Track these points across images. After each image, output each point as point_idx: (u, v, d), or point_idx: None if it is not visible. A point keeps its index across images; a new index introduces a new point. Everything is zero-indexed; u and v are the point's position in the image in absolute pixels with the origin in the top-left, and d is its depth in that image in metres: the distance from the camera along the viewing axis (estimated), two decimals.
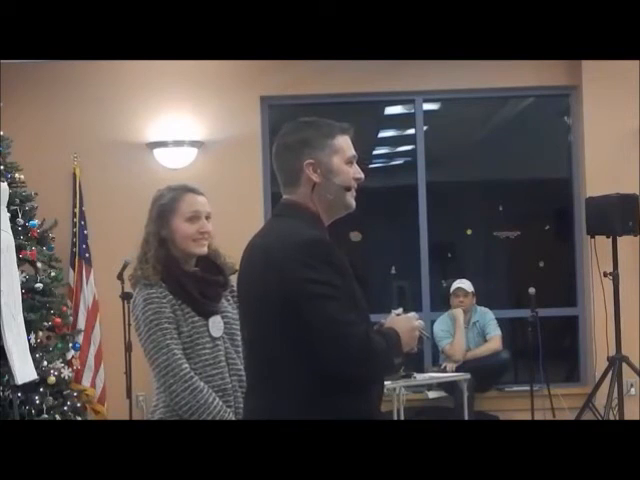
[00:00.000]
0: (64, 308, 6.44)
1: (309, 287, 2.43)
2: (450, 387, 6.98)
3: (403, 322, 2.60)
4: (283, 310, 2.45)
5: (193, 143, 7.23)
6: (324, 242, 2.53)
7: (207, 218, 3.33)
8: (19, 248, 5.80)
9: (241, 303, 2.73)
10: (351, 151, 2.68)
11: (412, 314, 2.62)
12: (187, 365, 3.16)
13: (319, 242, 2.52)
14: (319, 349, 2.43)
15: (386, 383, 6.26)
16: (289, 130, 2.68)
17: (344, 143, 2.67)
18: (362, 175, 2.69)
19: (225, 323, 3.29)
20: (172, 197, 3.32)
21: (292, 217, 2.61)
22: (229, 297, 3.38)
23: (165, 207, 3.30)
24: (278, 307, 2.46)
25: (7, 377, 5.13)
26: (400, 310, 2.69)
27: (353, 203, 2.68)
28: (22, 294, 5.12)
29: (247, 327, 2.65)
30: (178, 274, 3.25)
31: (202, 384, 3.14)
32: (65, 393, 6.14)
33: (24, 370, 4.75)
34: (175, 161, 7.23)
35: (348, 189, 2.65)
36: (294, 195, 2.64)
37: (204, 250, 3.31)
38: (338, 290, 2.44)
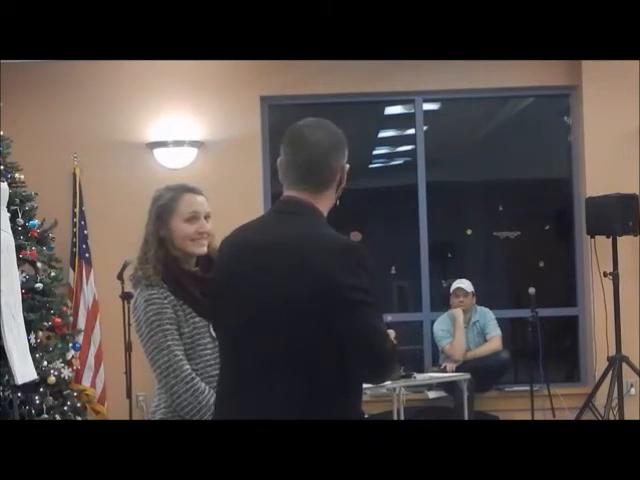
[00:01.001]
0: (64, 308, 6.44)
1: (350, 293, 2.41)
2: (450, 387, 6.98)
3: (391, 333, 2.62)
4: (317, 314, 2.41)
5: (193, 143, 7.24)
6: (361, 247, 2.53)
7: (206, 218, 3.32)
8: (19, 248, 5.80)
9: (253, 298, 2.54)
10: None
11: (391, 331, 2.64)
12: (188, 366, 3.15)
13: (357, 247, 2.52)
14: (354, 353, 2.41)
15: (386, 383, 6.27)
16: (330, 130, 2.64)
17: None
18: None
19: None
20: (171, 197, 3.31)
21: (311, 218, 2.56)
22: None
23: (164, 207, 3.30)
24: (311, 311, 2.42)
25: (7, 377, 5.13)
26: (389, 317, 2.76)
27: None
28: (22, 294, 5.12)
29: (262, 325, 2.50)
30: (178, 274, 3.24)
31: (203, 385, 3.14)
32: (65, 393, 6.14)
33: (24, 370, 4.76)
34: (175, 161, 7.23)
35: None
36: (311, 195, 2.57)
37: (203, 250, 3.31)
38: (372, 296, 2.46)
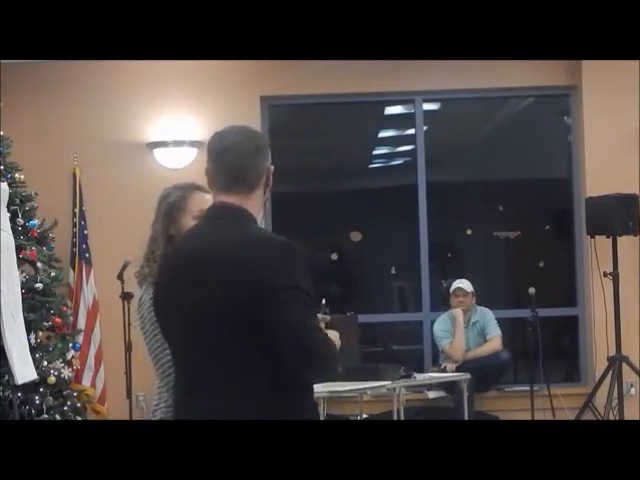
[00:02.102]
0: (64, 308, 6.44)
1: (283, 292, 2.44)
2: (450, 387, 6.98)
3: (334, 334, 2.63)
4: (252, 314, 2.44)
5: (193, 143, 7.23)
6: (296, 246, 2.54)
7: None
8: (19, 248, 5.80)
9: (192, 302, 2.56)
10: None
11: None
12: None
13: (291, 246, 2.52)
14: (285, 352, 2.43)
15: (386, 383, 6.27)
16: (253, 134, 2.72)
17: None
18: None
19: None
20: (180, 195, 3.32)
21: (244, 221, 2.59)
22: None
23: (173, 205, 3.31)
24: (247, 311, 2.45)
25: (7, 377, 5.13)
26: (328, 317, 2.79)
27: None
28: (22, 294, 5.12)
29: (202, 328, 2.53)
30: None
31: None
32: (65, 393, 6.14)
33: (24, 370, 4.76)
34: (175, 161, 7.23)
35: None
36: (241, 199, 2.61)
37: None
38: (306, 295, 2.47)
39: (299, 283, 2.46)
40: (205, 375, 2.53)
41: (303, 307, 2.45)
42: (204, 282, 2.52)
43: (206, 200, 3.33)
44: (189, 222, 3.28)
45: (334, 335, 2.61)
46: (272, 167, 2.67)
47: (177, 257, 2.66)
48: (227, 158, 2.62)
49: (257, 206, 2.65)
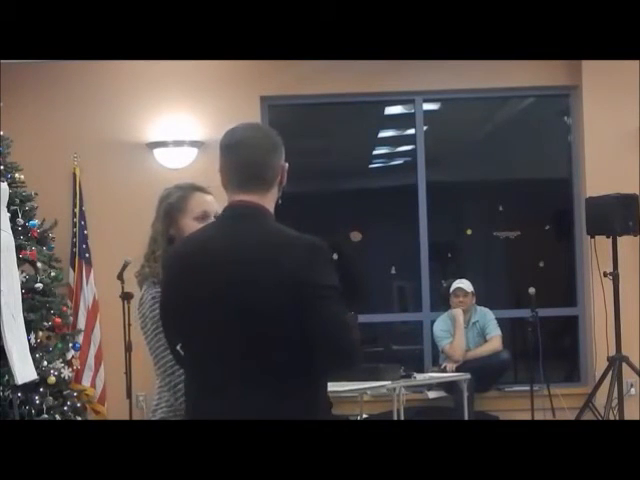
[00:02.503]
0: (64, 308, 6.44)
1: (319, 291, 2.44)
2: (450, 387, 6.98)
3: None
4: (288, 313, 2.44)
5: (193, 143, 7.24)
6: (324, 245, 2.53)
7: (216, 217, 3.33)
8: (19, 248, 5.80)
9: (215, 304, 2.53)
10: None
11: None
12: None
13: (323, 245, 2.52)
14: (321, 349, 2.44)
15: (386, 383, 6.28)
16: (268, 131, 2.70)
17: None
18: None
19: None
20: (180, 196, 3.32)
21: (265, 219, 2.58)
22: None
23: (173, 206, 3.31)
24: (282, 309, 2.44)
25: (7, 377, 5.13)
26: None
27: None
28: (22, 294, 5.12)
29: (232, 328, 2.50)
30: None
31: None
32: (65, 393, 6.14)
33: (24, 370, 4.75)
34: (175, 161, 7.23)
35: None
36: (258, 197, 2.59)
37: None
38: (340, 293, 2.47)
39: (333, 282, 2.47)
40: (232, 376, 2.50)
41: (338, 305, 2.46)
42: (233, 282, 2.49)
43: (207, 201, 3.34)
44: (189, 223, 3.28)
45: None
46: (286, 165, 2.66)
47: (196, 256, 2.59)
48: (243, 156, 2.60)
49: (272, 204, 2.63)
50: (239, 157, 2.60)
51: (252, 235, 2.54)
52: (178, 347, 2.69)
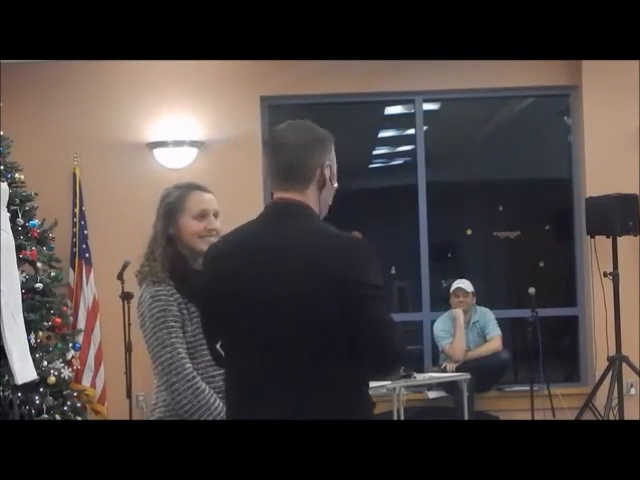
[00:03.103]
0: (64, 308, 6.44)
1: (364, 290, 2.43)
2: (450, 387, 6.98)
3: None
4: (332, 311, 2.42)
5: (193, 143, 7.24)
6: (367, 243, 2.54)
7: (215, 216, 3.33)
8: (19, 248, 5.80)
9: (258, 303, 2.50)
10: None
11: None
12: (190, 365, 3.16)
13: (366, 243, 2.53)
14: (367, 349, 2.44)
15: (386, 383, 6.28)
16: (307, 129, 2.65)
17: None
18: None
19: None
20: (179, 195, 3.33)
21: (309, 217, 2.57)
22: None
23: (172, 205, 3.31)
24: (327, 308, 2.42)
25: (7, 377, 5.13)
26: None
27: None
28: (22, 294, 5.12)
29: (277, 326, 2.48)
30: (185, 272, 3.24)
31: (204, 385, 3.14)
32: (65, 393, 6.14)
33: (24, 370, 4.75)
34: (175, 161, 7.23)
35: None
36: (298, 194, 2.59)
37: None
38: (383, 292, 2.48)
39: (379, 281, 2.48)
40: (274, 376, 2.47)
41: (384, 304, 2.47)
42: (277, 280, 2.47)
43: (205, 200, 3.34)
44: (188, 222, 3.29)
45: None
46: (328, 162, 2.63)
47: (236, 253, 2.58)
48: (278, 154, 2.61)
49: (313, 202, 2.61)
50: (275, 156, 2.62)
51: (291, 232, 2.53)
52: (217, 346, 2.66)
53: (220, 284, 2.59)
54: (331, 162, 2.65)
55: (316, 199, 2.62)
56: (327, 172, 2.63)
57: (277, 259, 2.49)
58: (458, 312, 7.24)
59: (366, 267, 2.47)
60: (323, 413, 2.44)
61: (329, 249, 2.47)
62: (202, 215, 3.30)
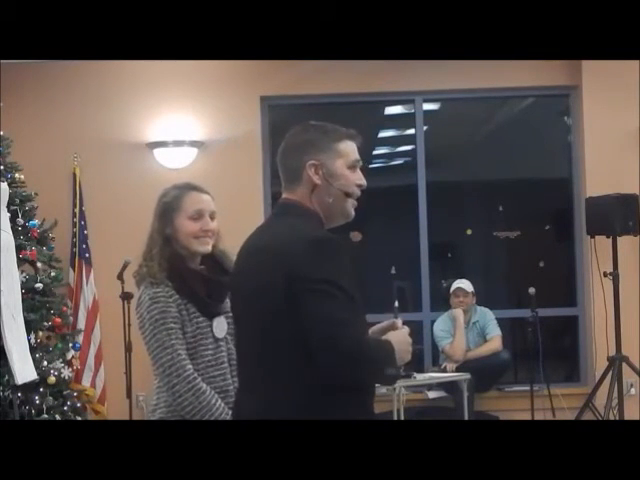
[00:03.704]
0: (64, 308, 6.44)
1: (310, 284, 2.41)
2: (450, 387, 6.98)
3: (399, 336, 2.63)
4: (284, 307, 2.44)
5: (193, 143, 7.24)
6: (328, 239, 2.51)
7: (211, 217, 3.33)
8: (19, 248, 5.80)
9: (239, 301, 2.67)
10: (355, 156, 2.68)
11: (406, 329, 2.64)
12: (191, 366, 3.16)
13: (323, 240, 2.50)
14: (313, 348, 2.41)
15: None
16: (297, 131, 2.72)
17: (349, 148, 2.68)
18: (364, 182, 2.69)
19: (229, 324, 3.28)
20: (176, 195, 3.33)
21: (293, 216, 2.60)
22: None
23: (169, 205, 3.31)
24: (280, 304, 2.44)
25: (7, 377, 5.13)
26: (400, 321, 2.72)
27: (352, 212, 2.67)
28: (22, 294, 5.12)
29: (245, 325, 2.62)
30: (183, 272, 3.24)
31: (205, 385, 3.14)
32: (65, 393, 6.14)
33: (24, 370, 4.75)
34: (175, 161, 7.23)
35: (348, 195, 2.66)
36: (293, 194, 2.64)
37: (207, 248, 3.31)
38: (339, 289, 2.42)
39: (331, 277, 2.42)
40: (249, 372, 2.61)
41: (333, 301, 2.40)
42: (251, 277, 2.57)
43: (202, 200, 3.34)
44: (184, 222, 3.29)
45: (401, 335, 2.63)
46: (313, 162, 2.62)
47: (241, 252, 2.71)
48: (278, 156, 2.72)
49: (307, 201, 2.63)
50: (277, 157, 2.73)
51: (272, 231, 2.63)
52: None
53: (233, 279, 2.76)
54: (319, 161, 2.63)
55: (309, 198, 2.63)
56: (312, 172, 2.62)
57: (249, 257, 2.62)
58: (458, 312, 7.23)
59: (320, 263, 2.43)
60: (293, 412, 2.44)
61: (287, 245, 2.50)
62: (198, 216, 3.30)
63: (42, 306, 6.10)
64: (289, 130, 2.74)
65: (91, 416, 6.81)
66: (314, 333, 2.40)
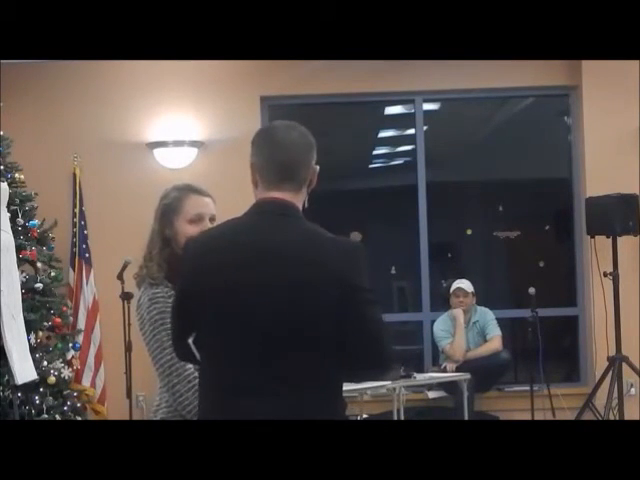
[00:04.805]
0: (64, 308, 6.44)
1: (362, 294, 2.47)
2: (450, 387, 6.98)
3: None
4: (328, 315, 2.43)
5: (193, 143, 7.24)
6: (363, 247, 2.56)
7: (211, 220, 3.32)
8: (19, 248, 5.80)
9: (248, 300, 2.49)
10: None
11: None
12: (191, 365, 3.16)
13: (362, 248, 2.54)
14: (364, 351, 2.45)
15: (386, 383, 6.28)
16: (304, 131, 2.67)
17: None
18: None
19: None
20: (176, 197, 3.31)
21: (301, 219, 2.58)
22: None
23: (168, 207, 3.30)
24: (323, 311, 2.43)
25: (7, 377, 5.13)
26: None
27: None
28: (22, 294, 5.12)
29: (264, 324, 2.47)
30: None
31: None
32: (65, 393, 6.14)
33: (24, 370, 4.76)
34: (175, 161, 7.23)
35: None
36: (291, 195, 2.58)
37: None
38: (374, 296, 2.51)
39: (368, 283, 2.50)
40: (264, 374, 2.46)
41: (378, 307, 2.50)
42: (273, 278, 2.45)
43: (202, 203, 3.32)
44: (183, 225, 3.27)
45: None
46: (317, 167, 2.64)
47: (225, 251, 2.55)
48: (279, 154, 2.58)
49: (300, 203, 2.61)
50: (275, 155, 2.58)
51: (289, 232, 2.52)
52: (190, 340, 2.62)
53: (208, 279, 2.54)
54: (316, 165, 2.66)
55: (302, 200, 2.63)
56: (315, 175, 2.64)
57: (276, 258, 2.47)
58: (458, 312, 7.24)
59: (363, 271, 2.50)
60: (312, 413, 2.43)
61: (329, 251, 2.48)
62: (197, 219, 3.28)
63: (42, 306, 6.10)
64: (277, 128, 2.69)
65: (91, 416, 6.81)
66: (369, 338, 2.45)
